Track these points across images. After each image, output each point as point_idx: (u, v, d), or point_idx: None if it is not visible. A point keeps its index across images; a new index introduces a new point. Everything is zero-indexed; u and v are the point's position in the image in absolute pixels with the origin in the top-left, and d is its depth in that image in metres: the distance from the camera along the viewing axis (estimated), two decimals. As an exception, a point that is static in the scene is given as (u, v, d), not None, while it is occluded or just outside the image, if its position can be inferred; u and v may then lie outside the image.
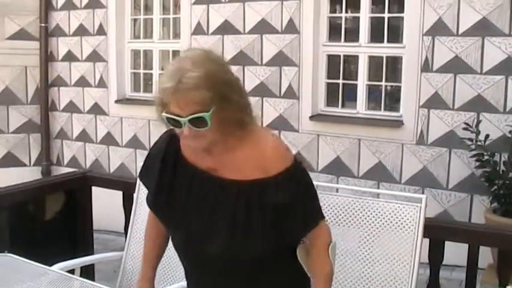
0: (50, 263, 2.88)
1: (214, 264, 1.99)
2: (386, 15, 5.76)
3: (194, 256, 2.05)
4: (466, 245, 3.07)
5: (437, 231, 3.02)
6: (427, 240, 2.92)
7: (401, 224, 2.72)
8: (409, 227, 2.70)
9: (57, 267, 2.92)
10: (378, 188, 5.71)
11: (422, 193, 5.37)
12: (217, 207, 1.96)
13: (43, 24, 7.88)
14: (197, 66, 1.81)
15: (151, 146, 2.21)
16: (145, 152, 6.83)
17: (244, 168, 1.94)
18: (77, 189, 4.09)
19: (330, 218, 2.87)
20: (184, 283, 2.29)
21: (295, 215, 1.95)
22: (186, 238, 2.03)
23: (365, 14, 5.83)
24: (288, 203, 1.91)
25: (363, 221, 2.80)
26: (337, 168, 5.92)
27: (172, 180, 2.04)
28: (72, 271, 3.04)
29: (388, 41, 5.79)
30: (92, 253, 4.07)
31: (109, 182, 4.20)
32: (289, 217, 1.93)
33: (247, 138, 1.96)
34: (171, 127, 1.91)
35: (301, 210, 1.96)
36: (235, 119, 1.89)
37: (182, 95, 1.79)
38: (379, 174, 5.75)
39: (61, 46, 7.90)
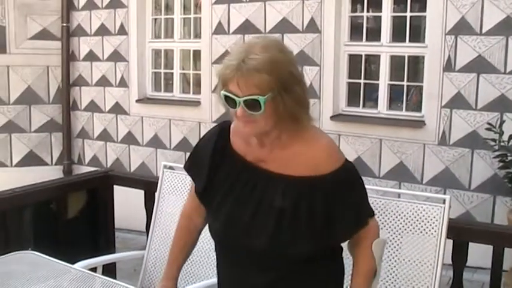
0: (73, 261, 2.89)
1: (257, 257, 1.97)
2: (408, 14, 5.71)
3: (237, 248, 2.02)
4: (488, 247, 3.03)
5: (462, 233, 2.98)
6: (450, 242, 2.89)
7: (425, 224, 2.69)
8: (433, 228, 2.68)
9: (80, 265, 2.93)
10: (399, 188, 5.67)
11: (444, 194, 5.33)
12: (264, 200, 1.95)
13: (65, 24, 7.95)
14: (264, 51, 1.83)
15: (201, 137, 2.21)
16: (166, 152, 6.88)
17: (294, 164, 1.93)
18: (99, 188, 4.11)
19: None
20: (207, 281, 2.29)
21: (345, 215, 1.95)
22: (230, 229, 2.01)
23: (387, 14, 5.79)
24: (338, 203, 1.92)
25: (386, 221, 2.78)
26: (358, 168, 5.83)
27: (220, 171, 2.04)
28: (94, 269, 3.05)
29: (410, 41, 5.75)
30: (113, 251, 4.09)
31: (131, 181, 4.22)
32: (339, 216, 1.93)
33: (302, 135, 1.96)
34: (227, 106, 1.90)
35: (351, 211, 1.96)
36: (291, 112, 1.88)
37: (243, 74, 1.80)
38: (400, 174, 5.71)
39: (82, 46, 7.96)
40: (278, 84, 1.82)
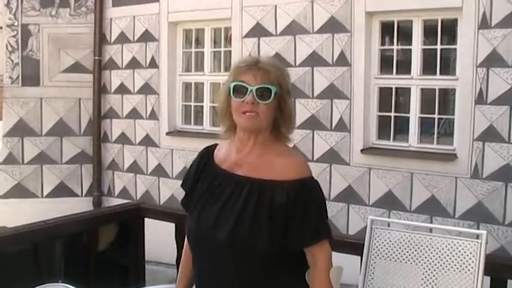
0: (103, 293, 2.89)
1: (220, 251, 2.12)
2: (438, 47, 5.69)
3: (205, 243, 2.18)
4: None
5: (500, 269, 2.90)
6: (487, 278, 2.81)
7: (461, 260, 2.64)
8: (469, 264, 2.62)
9: (110, 298, 2.92)
10: (431, 222, 5.58)
11: (478, 228, 5.23)
12: (230, 199, 2.14)
13: (97, 58, 8.07)
14: (274, 60, 2.21)
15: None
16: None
17: (264, 169, 2.12)
18: (130, 220, 4.11)
19: (384, 253, 2.81)
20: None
21: (300, 222, 2.06)
22: (199, 226, 2.20)
23: (417, 46, 5.78)
24: (299, 210, 2.05)
25: (420, 257, 2.73)
26: (389, 202, 5.82)
27: (201, 183, 2.27)
28: (124, 302, 3.04)
29: (441, 73, 5.71)
30: (143, 285, 4.07)
31: (162, 214, 4.22)
32: (294, 222, 2.06)
33: (278, 147, 2.19)
34: (234, 98, 2.13)
35: (306, 220, 2.07)
36: (289, 115, 2.17)
37: (260, 68, 2.11)
38: (432, 208, 5.63)
39: (114, 78, 8.06)
40: (284, 86, 2.14)
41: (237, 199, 2.11)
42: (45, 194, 8.12)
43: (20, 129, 8.04)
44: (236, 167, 2.19)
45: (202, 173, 2.28)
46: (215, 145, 2.35)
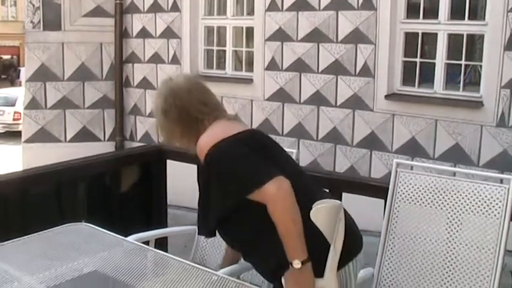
0: (125, 234, 2.89)
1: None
2: (468, -10, 5.53)
3: None
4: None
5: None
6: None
7: (487, 205, 2.59)
8: (496, 210, 2.57)
9: (132, 238, 2.92)
10: (455, 170, 5.53)
11: (502, 177, 5.16)
12: None
13: (118, 1, 7.99)
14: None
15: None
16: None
17: None
18: (152, 162, 4.11)
19: (409, 196, 2.78)
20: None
21: (218, 188, 2.25)
22: None
23: (445, -11, 5.62)
24: (210, 182, 2.27)
25: (445, 201, 2.69)
26: (412, 149, 5.77)
27: None
28: (146, 243, 3.05)
29: (469, 18, 5.56)
30: (165, 226, 4.09)
31: (184, 156, 4.18)
32: (213, 190, 2.27)
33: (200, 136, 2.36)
34: None
35: (222, 186, 2.23)
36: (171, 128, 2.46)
37: None
38: (456, 156, 5.56)
39: (135, 23, 7.99)
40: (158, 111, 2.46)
41: None
42: (68, 138, 8.18)
43: (42, 74, 8.05)
44: None
45: None
46: None
